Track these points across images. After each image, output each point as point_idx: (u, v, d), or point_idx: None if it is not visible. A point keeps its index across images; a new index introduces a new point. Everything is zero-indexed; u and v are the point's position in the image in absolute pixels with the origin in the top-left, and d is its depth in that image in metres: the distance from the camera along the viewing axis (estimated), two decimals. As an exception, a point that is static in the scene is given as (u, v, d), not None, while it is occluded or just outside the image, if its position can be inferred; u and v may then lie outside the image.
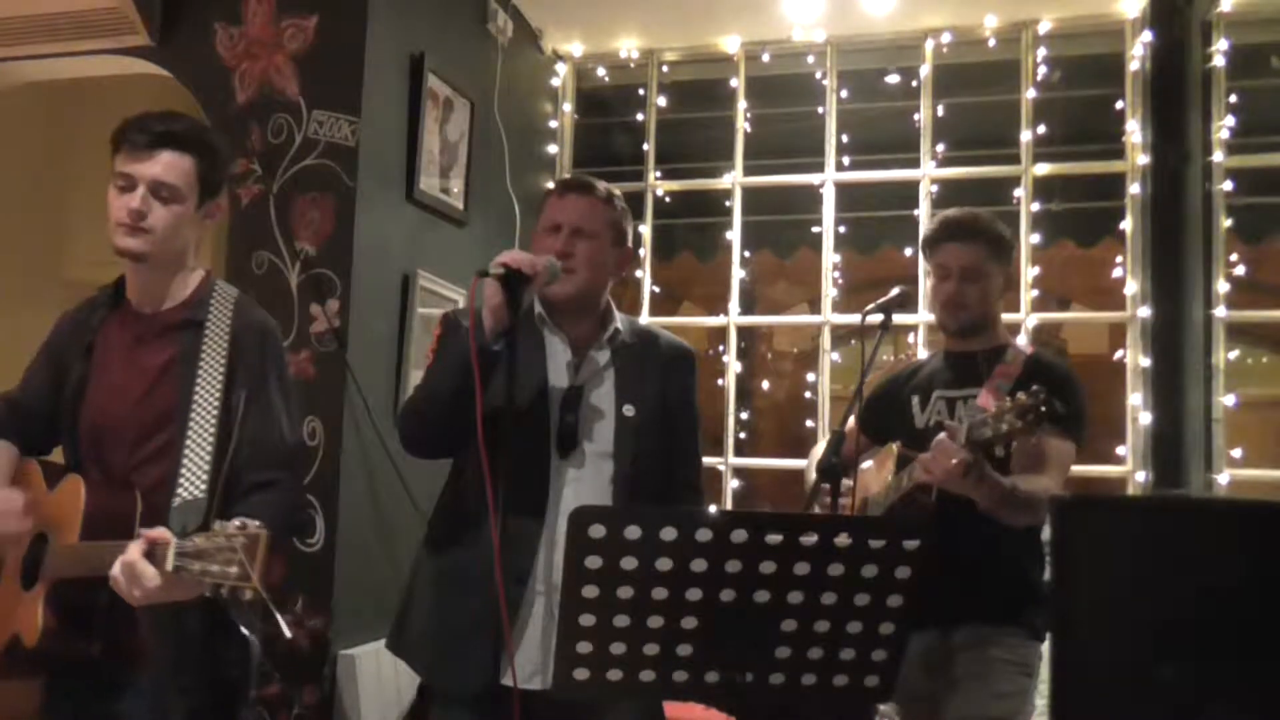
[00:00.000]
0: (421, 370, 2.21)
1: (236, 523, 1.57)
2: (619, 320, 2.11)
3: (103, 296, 2.04)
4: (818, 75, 4.36)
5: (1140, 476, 3.80)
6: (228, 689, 1.91)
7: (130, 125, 1.91)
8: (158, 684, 1.82)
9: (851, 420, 2.27)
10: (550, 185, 2.12)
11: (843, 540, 1.47)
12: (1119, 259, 3.99)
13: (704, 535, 1.44)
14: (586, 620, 1.46)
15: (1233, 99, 3.77)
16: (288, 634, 1.74)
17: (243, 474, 1.86)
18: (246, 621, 1.93)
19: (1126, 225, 3.96)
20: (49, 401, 2.01)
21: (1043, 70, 4.11)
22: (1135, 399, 3.85)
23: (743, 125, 4.42)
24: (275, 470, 1.89)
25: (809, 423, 4.29)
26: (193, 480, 1.78)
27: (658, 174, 4.51)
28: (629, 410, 2.03)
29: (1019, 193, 4.08)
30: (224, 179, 2.03)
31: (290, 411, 1.98)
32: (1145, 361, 3.81)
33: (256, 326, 1.99)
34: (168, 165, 1.89)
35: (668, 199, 4.54)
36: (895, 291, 2.27)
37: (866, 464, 2.41)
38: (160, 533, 1.63)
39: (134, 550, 1.62)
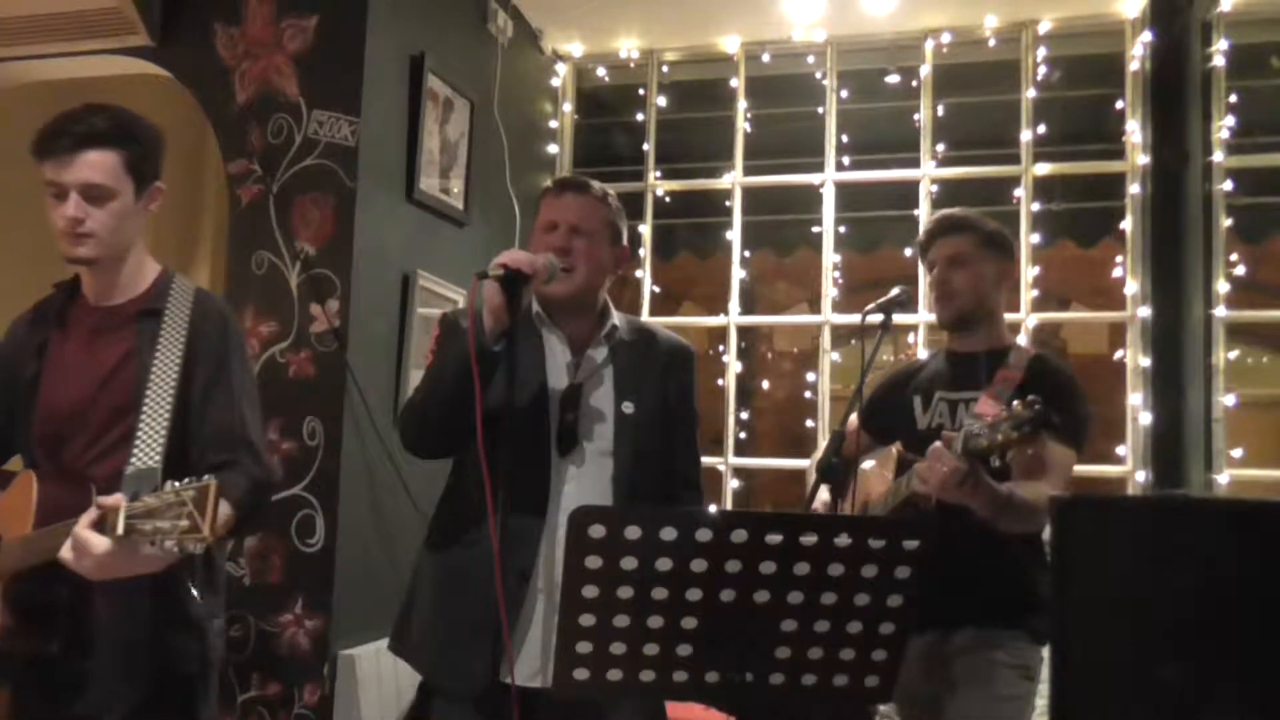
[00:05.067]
0: (422, 370, 2.20)
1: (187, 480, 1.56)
2: (616, 318, 2.11)
3: (58, 296, 2.01)
4: (818, 75, 4.36)
5: (1140, 476, 3.80)
6: (184, 680, 1.89)
7: (48, 132, 1.86)
8: (115, 677, 1.81)
9: (853, 419, 2.27)
10: (547, 184, 2.12)
11: (843, 540, 1.46)
12: (1119, 259, 4.00)
13: (704, 535, 1.43)
14: (586, 620, 1.46)
15: (1233, 99, 3.77)
16: (196, 595, 1.78)
17: (205, 453, 1.84)
18: (207, 610, 1.92)
19: (1126, 225, 3.96)
20: (3, 405, 1.96)
21: (1043, 70, 4.11)
22: (1135, 399, 3.85)
23: (743, 125, 4.42)
24: (236, 451, 1.88)
25: (809, 423, 4.30)
26: (146, 451, 1.75)
27: (658, 174, 4.51)
28: (628, 408, 2.03)
29: (1019, 193, 4.09)
30: (158, 162, 1.96)
31: (251, 395, 1.97)
32: (1145, 361, 3.81)
33: (216, 314, 1.97)
34: (93, 165, 1.84)
35: (668, 199, 4.54)
36: (895, 291, 2.26)
37: (869, 464, 2.40)
38: (112, 498, 1.60)
39: (83, 520, 1.59)
